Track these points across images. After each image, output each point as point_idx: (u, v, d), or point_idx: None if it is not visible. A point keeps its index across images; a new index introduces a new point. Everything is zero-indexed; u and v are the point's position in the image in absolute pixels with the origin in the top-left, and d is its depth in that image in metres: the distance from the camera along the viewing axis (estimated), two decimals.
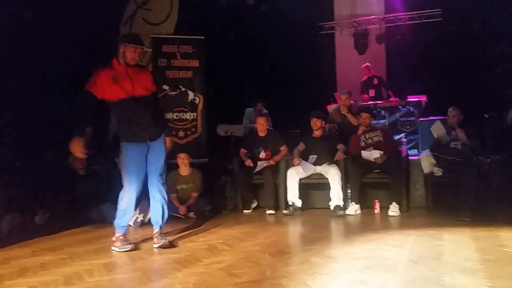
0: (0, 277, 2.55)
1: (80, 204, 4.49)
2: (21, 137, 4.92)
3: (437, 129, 4.57)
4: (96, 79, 3.04)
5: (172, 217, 4.51)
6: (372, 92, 6.96)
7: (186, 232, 3.80)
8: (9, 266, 2.80)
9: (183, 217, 4.58)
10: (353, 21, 8.14)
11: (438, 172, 4.43)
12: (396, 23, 7.89)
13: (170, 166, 4.99)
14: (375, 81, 7.03)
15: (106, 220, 4.27)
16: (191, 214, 4.63)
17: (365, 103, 6.56)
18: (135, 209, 3.39)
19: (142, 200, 4.23)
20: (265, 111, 6.22)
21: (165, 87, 6.25)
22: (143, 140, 3.15)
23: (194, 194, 4.73)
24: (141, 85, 3.13)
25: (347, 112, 5.29)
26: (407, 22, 7.81)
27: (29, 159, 4.77)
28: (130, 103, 3.08)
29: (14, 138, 4.83)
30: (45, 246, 3.39)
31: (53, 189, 4.60)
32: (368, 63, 7.19)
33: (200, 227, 4.03)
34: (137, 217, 4.14)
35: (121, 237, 3.18)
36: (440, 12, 7.46)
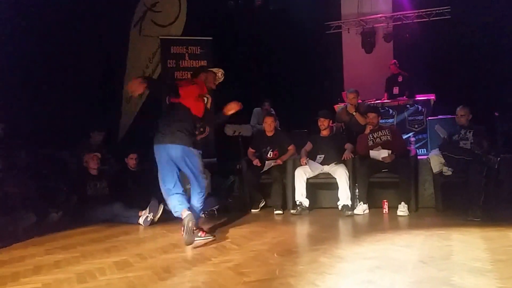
0: (16, 275, 2.60)
1: (91, 204, 4.55)
2: (34, 138, 5.02)
3: (441, 132, 4.62)
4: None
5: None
6: (396, 90, 6.87)
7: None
8: (24, 264, 2.85)
9: None
10: (361, 20, 8.11)
11: (447, 171, 4.41)
12: (404, 22, 7.83)
13: None
14: (400, 79, 6.94)
15: (116, 219, 4.34)
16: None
17: (372, 102, 6.53)
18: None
19: (152, 199, 4.29)
20: (272, 110, 6.23)
21: None
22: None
23: None
24: None
25: (355, 111, 5.28)
26: (415, 20, 7.76)
27: (42, 160, 4.86)
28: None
29: (28, 139, 4.92)
30: (58, 245, 3.44)
31: (65, 189, 4.68)
32: (395, 60, 7.13)
33: (209, 226, 4.05)
34: (147, 216, 4.19)
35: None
36: (448, 10, 7.40)
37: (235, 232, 3.73)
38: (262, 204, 5.09)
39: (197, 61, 6.37)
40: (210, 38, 6.53)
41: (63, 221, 4.45)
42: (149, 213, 4.19)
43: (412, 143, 6.05)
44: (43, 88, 5.52)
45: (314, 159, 4.83)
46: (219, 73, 3.62)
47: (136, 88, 2.98)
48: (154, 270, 2.61)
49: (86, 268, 2.71)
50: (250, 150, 5.23)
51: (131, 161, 4.83)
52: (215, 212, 4.75)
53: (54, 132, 5.32)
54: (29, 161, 4.65)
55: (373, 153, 4.62)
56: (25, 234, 3.86)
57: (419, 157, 5.05)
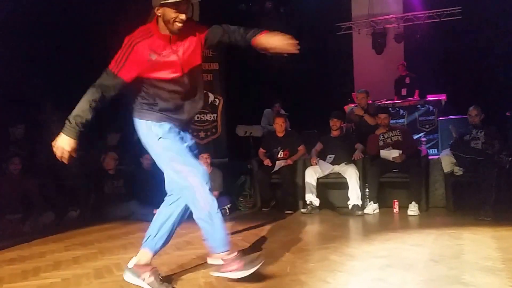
0: (37, 270, 2.70)
1: (108, 202, 4.67)
2: (53, 138, 5.14)
3: (454, 131, 4.64)
4: (124, 56, 2.09)
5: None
6: (404, 91, 6.89)
7: None
8: (44, 260, 2.95)
9: None
10: (371, 21, 8.10)
11: (458, 171, 4.41)
12: (415, 22, 7.82)
13: None
14: (407, 80, 6.94)
15: (133, 217, 4.44)
16: None
17: (383, 102, 6.53)
18: None
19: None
20: (282, 111, 6.28)
21: None
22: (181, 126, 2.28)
23: (215, 193, 4.84)
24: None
25: (364, 113, 5.30)
26: (425, 21, 7.74)
27: (61, 160, 4.98)
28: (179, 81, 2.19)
29: (48, 141, 5.04)
30: (77, 241, 3.55)
31: (84, 188, 4.81)
32: (403, 62, 7.12)
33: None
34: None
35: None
36: (459, 10, 7.36)
37: (246, 230, 3.78)
38: (272, 203, 5.15)
39: (209, 63, 6.43)
40: None
41: (82, 218, 4.58)
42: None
43: (423, 143, 6.04)
44: (61, 89, 5.65)
45: (324, 159, 4.87)
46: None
47: None
48: (168, 266, 2.67)
49: (103, 264, 2.78)
50: (261, 150, 5.29)
51: (146, 161, 4.93)
52: (227, 210, 4.83)
53: None
54: (49, 160, 4.79)
55: (384, 153, 4.64)
56: (45, 231, 3.97)
57: (430, 157, 5.05)
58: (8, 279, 2.50)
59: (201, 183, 2.11)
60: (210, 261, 2.27)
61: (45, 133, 5.09)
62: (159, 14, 2.07)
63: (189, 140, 2.34)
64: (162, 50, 2.13)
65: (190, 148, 2.30)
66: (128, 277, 2.25)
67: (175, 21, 2.06)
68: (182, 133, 2.29)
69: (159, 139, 2.17)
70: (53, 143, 2.08)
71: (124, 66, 2.09)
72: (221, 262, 2.17)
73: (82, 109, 2.07)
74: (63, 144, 2.06)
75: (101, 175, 4.85)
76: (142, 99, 2.22)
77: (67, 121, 2.07)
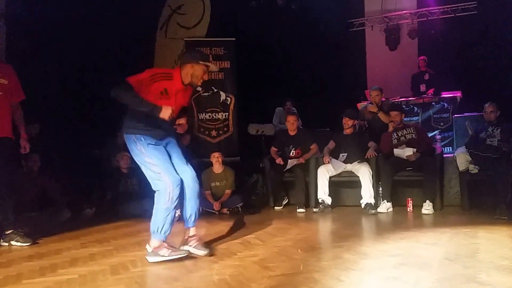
0: (54, 266, 2.75)
1: (123, 200, 4.75)
2: (69, 139, 5.26)
3: (470, 128, 4.57)
4: (144, 83, 2.66)
5: (206, 213, 4.71)
6: (423, 87, 6.75)
7: (221, 227, 3.93)
8: (61, 257, 3.00)
9: (217, 213, 4.75)
10: (384, 17, 8.02)
11: (474, 169, 4.35)
12: (429, 18, 7.71)
13: (204, 165, 5.17)
14: (427, 76, 6.81)
15: (147, 214, 4.50)
16: (225, 210, 4.79)
17: (396, 100, 6.46)
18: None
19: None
20: (293, 110, 6.27)
21: (198, 88, 6.45)
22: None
23: (228, 191, 4.88)
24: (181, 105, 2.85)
25: (378, 110, 5.25)
26: (440, 16, 7.63)
27: (77, 159, 5.10)
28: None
29: (63, 140, 5.15)
30: (93, 239, 3.60)
31: (99, 186, 4.90)
32: (425, 57, 7.00)
33: (234, 223, 4.14)
34: (175, 212, 4.31)
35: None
36: (475, 5, 7.23)
37: (259, 228, 3.79)
38: (285, 202, 5.15)
39: (221, 61, 6.48)
40: (233, 38, 6.63)
41: (97, 216, 4.66)
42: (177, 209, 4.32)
43: (438, 141, 5.96)
44: (74, 90, 5.77)
45: (337, 157, 4.85)
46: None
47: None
48: (183, 263, 2.70)
49: (119, 260, 2.82)
50: (273, 149, 5.29)
51: None
52: (239, 209, 4.85)
53: (88, 133, 5.56)
54: (64, 159, 4.89)
55: (398, 151, 4.59)
56: (61, 229, 4.06)
57: (445, 155, 4.98)
58: (27, 275, 2.56)
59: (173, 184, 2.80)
60: (147, 246, 2.79)
61: (60, 132, 5.21)
62: (191, 72, 2.71)
63: (173, 143, 2.92)
64: (172, 93, 2.71)
65: (173, 151, 2.90)
66: (151, 258, 2.75)
67: (201, 79, 2.74)
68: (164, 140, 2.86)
69: (147, 145, 2.78)
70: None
71: (141, 90, 2.64)
72: (150, 249, 2.75)
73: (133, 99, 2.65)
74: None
75: (115, 174, 4.94)
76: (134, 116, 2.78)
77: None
